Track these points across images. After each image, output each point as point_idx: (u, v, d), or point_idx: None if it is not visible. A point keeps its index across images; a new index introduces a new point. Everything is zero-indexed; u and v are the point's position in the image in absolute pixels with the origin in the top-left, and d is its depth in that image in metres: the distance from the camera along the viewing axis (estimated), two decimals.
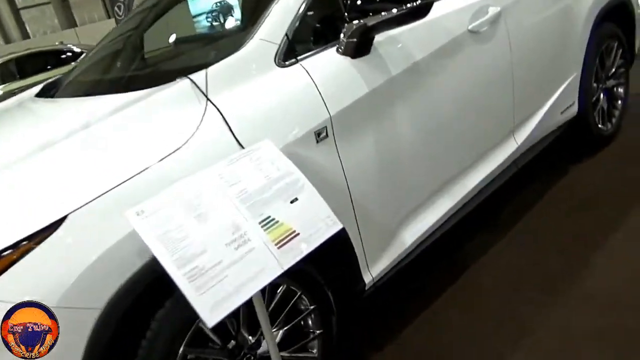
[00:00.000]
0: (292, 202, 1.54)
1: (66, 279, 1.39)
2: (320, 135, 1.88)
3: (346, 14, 2.08)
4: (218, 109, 1.73)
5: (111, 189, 1.49)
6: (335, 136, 1.91)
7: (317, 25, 2.14)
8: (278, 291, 1.84)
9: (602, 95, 3.42)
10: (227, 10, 2.98)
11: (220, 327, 1.57)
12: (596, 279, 2.40)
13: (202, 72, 1.80)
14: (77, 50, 11.37)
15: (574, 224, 2.81)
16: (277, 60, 1.91)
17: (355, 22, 1.96)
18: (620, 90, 3.59)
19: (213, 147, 1.67)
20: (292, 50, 1.95)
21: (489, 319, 2.33)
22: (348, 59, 2.00)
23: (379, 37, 2.04)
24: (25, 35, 22.14)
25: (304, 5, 2.02)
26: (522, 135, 2.83)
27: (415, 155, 2.23)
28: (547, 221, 2.90)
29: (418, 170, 2.27)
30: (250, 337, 1.83)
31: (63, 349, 1.38)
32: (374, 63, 2.05)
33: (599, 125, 3.42)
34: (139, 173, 1.53)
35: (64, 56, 11.16)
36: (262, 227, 1.45)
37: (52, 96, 2.51)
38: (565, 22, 3.00)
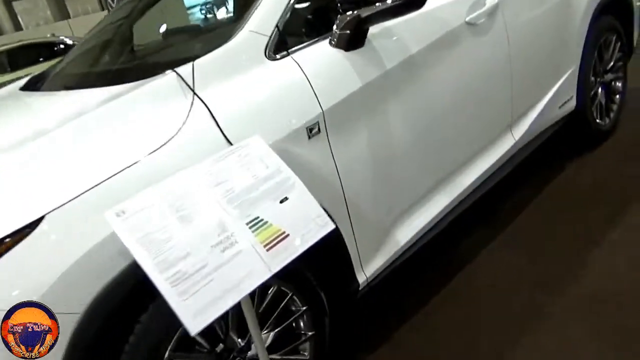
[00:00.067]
0: (281, 201, 1.47)
1: (42, 284, 1.32)
2: (312, 130, 1.81)
3: (339, 4, 2.02)
4: (205, 104, 1.66)
5: (91, 188, 1.42)
6: (327, 132, 1.86)
7: (309, 16, 2.09)
8: (269, 292, 1.78)
9: (600, 90, 3.39)
10: (218, 1, 2.91)
11: (208, 330, 1.50)
12: (595, 278, 2.36)
13: (188, 65, 1.73)
14: (69, 42, 11.27)
15: (572, 222, 2.78)
16: (267, 53, 1.85)
17: (349, 13, 1.90)
18: (619, 84, 3.56)
19: (199, 144, 1.60)
20: (283, 42, 1.88)
21: (486, 319, 2.29)
22: (341, 51, 1.93)
23: (373, 29, 1.98)
24: (17, 27, 21.94)
25: None
26: (520, 130, 2.79)
27: (410, 151, 2.18)
28: (545, 219, 2.87)
29: (413, 167, 2.22)
30: (239, 340, 1.77)
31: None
32: (368, 56, 1.99)
33: (597, 120, 3.39)
34: (120, 171, 1.47)
35: (56, 48, 11.04)
36: (249, 228, 1.38)
37: (38, 89, 2.44)
38: (563, 15, 2.96)
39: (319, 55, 1.92)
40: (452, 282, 2.54)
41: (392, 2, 1.87)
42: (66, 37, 11.98)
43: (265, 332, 1.83)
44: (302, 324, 1.92)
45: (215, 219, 1.37)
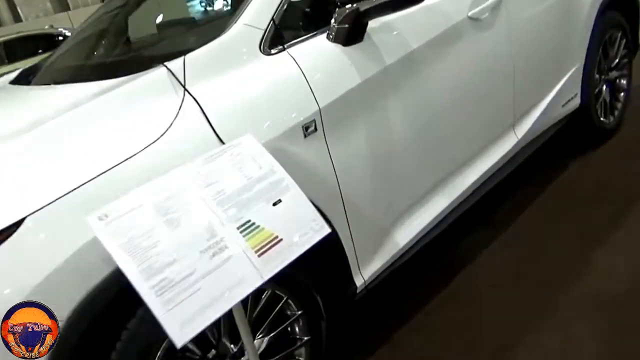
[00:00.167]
0: (274, 204, 1.40)
1: (21, 290, 1.26)
2: (308, 129, 1.76)
3: None
4: (196, 100, 1.60)
5: (75, 189, 1.36)
6: (324, 130, 1.80)
7: (307, 9, 2.03)
8: (262, 297, 1.72)
9: (604, 87, 3.33)
10: None
11: (199, 335, 1.44)
12: (598, 277, 2.33)
13: (179, 60, 1.67)
14: (68, 34, 11.17)
15: (575, 221, 2.73)
16: (262, 47, 1.79)
17: (348, 6, 1.84)
18: (623, 81, 3.50)
19: (190, 142, 1.54)
20: (278, 36, 1.83)
21: (487, 319, 2.25)
22: (339, 46, 1.88)
23: (372, 23, 1.93)
24: (17, 19, 21.87)
25: None
26: (523, 128, 2.73)
27: (410, 150, 2.12)
28: (548, 217, 2.82)
29: (413, 167, 2.16)
30: (232, 346, 1.71)
31: None
32: (367, 51, 1.94)
33: (601, 119, 3.33)
34: (106, 171, 1.40)
35: (55, 40, 10.95)
36: (240, 232, 1.32)
37: (29, 83, 2.37)
38: (568, 10, 2.90)
39: (316, 50, 1.87)
40: (452, 282, 2.50)
41: None
42: (65, 28, 11.89)
43: (259, 336, 1.78)
44: (297, 328, 1.86)
45: (205, 223, 1.30)
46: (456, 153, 2.39)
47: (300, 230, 1.39)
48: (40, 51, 10.49)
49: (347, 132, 1.87)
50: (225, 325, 1.67)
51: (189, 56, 1.69)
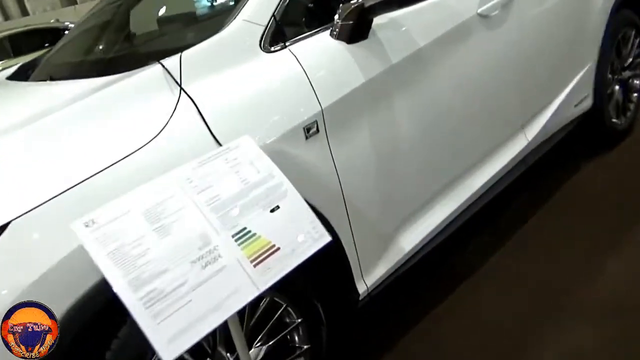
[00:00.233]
0: (272, 210, 1.34)
1: (4, 299, 1.21)
2: (310, 130, 1.70)
3: None
4: (192, 99, 1.54)
5: (63, 192, 1.30)
6: (327, 132, 1.74)
7: (309, 5, 1.99)
8: (261, 304, 1.66)
9: (617, 87, 3.26)
10: None
11: (194, 344, 1.40)
12: (608, 283, 2.28)
13: (175, 57, 1.61)
14: None
15: (586, 223, 2.68)
16: (262, 45, 1.74)
17: (352, 2, 1.79)
18: (636, 82, 3.43)
19: (185, 144, 1.48)
20: (280, 33, 1.78)
21: (493, 327, 2.20)
22: (343, 44, 1.83)
23: (378, 20, 1.87)
24: (24, 12, 21.95)
25: None
26: (534, 130, 2.66)
27: (416, 153, 2.07)
28: (557, 221, 2.76)
29: (419, 170, 2.11)
30: (228, 355, 1.65)
31: None
32: (372, 49, 1.88)
33: (613, 119, 3.26)
34: (95, 174, 1.34)
35: (61, 34, 10.94)
36: (235, 241, 1.25)
37: (27, 78, 2.32)
38: (581, 8, 2.84)
39: (319, 48, 1.82)
40: (459, 287, 2.44)
41: None
42: (70, 22, 11.86)
43: (257, 344, 1.72)
44: (297, 337, 1.81)
45: (198, 230, 1.23)
46: (464, 155, 2.33)
47: (298, 239, 1.32)
48: (46, 45, 10.46)
49: (351, 133, 1.81)
50: (220, 333, 1.61)
51: (186, 53, 1.64)
